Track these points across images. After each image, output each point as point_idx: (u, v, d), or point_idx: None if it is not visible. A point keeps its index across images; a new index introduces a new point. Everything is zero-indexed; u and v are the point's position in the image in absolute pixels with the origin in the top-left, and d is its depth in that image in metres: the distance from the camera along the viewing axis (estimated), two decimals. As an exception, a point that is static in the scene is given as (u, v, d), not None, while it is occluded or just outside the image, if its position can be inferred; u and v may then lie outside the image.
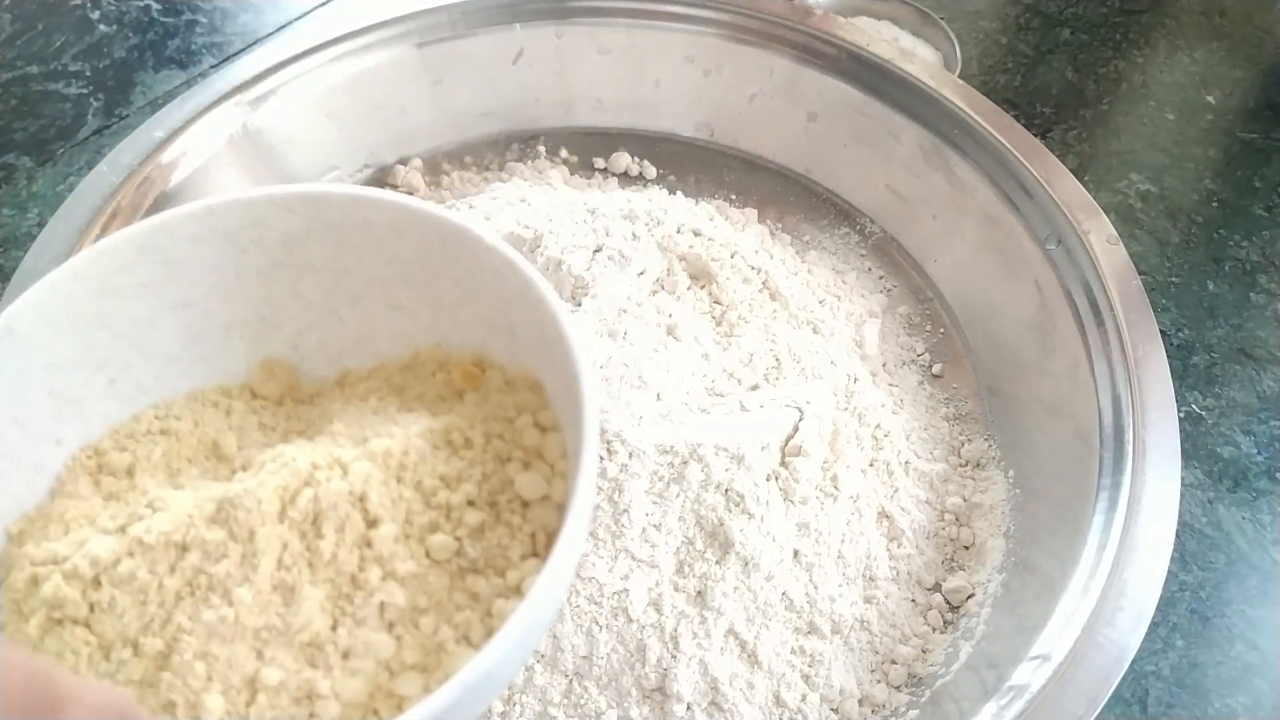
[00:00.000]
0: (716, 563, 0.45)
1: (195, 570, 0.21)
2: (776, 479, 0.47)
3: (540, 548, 0.23)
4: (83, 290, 0.25)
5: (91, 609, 0.20)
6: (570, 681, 0.45)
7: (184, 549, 0.21)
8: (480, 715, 0.26)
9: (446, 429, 0.24)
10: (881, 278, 0.64)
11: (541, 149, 0.68)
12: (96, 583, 0.20)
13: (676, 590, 0.45)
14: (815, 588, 0.47)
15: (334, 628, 0.21)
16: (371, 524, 0.22)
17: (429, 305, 0.28)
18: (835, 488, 0.49)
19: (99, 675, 0.19)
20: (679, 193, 0.66)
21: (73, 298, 0.25)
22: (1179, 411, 0.48)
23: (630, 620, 0.44)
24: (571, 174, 0.67)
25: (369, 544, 0.22)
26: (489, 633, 0.21)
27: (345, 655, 0.21)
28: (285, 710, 0.20)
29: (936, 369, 0.60)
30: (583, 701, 0.45)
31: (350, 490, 0.22)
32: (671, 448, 0.45)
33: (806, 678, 0.46)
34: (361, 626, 0.21)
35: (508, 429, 0.25)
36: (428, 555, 0.22)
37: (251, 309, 0.28)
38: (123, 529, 0.21)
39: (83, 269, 0.25)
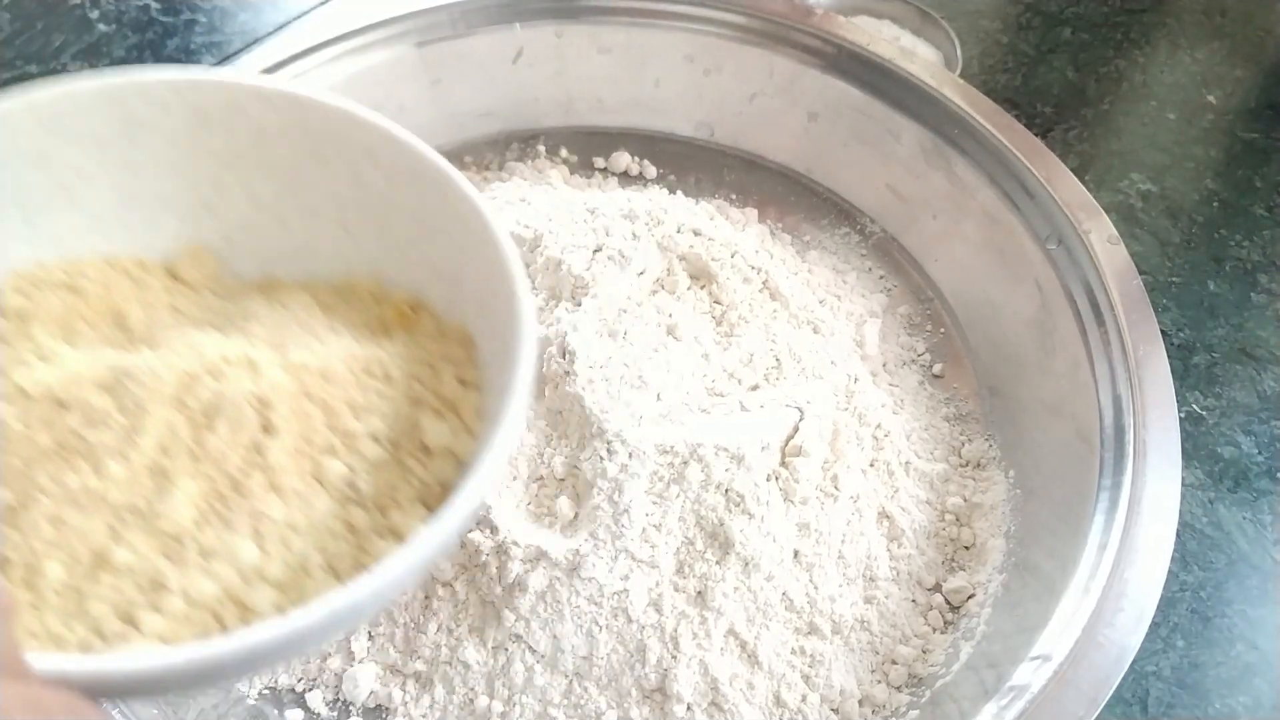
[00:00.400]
0: (716, 563, 0.45)
1: (71, 432, 0.20)
2: (776, 479, 0.47)
3: (431, 498, 0.22)
4: (33, 124, 0.23)
5: None
6: (570, 681, 0.45)
7: (64, 407, 0.20)
8: (322, 646, 0.24)
9: (368, 359, 0.23)
10: (882, 278, 0.64)
11: (541, 149, 0.68)
12: None
13: (676, 590, 0.45)
14: (815, 588, 0.47)
15: (200, 524, 0.20)
16: (268, 431, 0.21)
17: (379, 236, 0.27)
18: (835, 488, 0.48)
19: None
20: (679, 192, 0.65)
21: (20, 128, 0.23)
22: (1179, 411, 0.48)
23: (630, 620, 0.44)
24: (571, 174, 0.67)
25: (260, 451, 0.21)
26: (357, 566, 0.21)
27: (204, 555, 0.20)
28: (126, 595, 0.19)
29: (937, 369, 0.60)
30: (583, 702, 0.45)
31: (255, 393, 0.21)
32: (671, 448, 0.45)
33: (807, 678, 0.46)
34: (229, 530, 0.20)
35: (429, 375, 0.24)
36: (317, 477, 0.21)
37: (196, 191, 0.26)
38: (4, 373, 0.20)
39: (41, 104, 0.23)
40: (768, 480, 0.47)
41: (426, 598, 0.46)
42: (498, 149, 0.68)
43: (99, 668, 0.17)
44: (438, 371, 0.24)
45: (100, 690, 0.17)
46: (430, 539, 0.19)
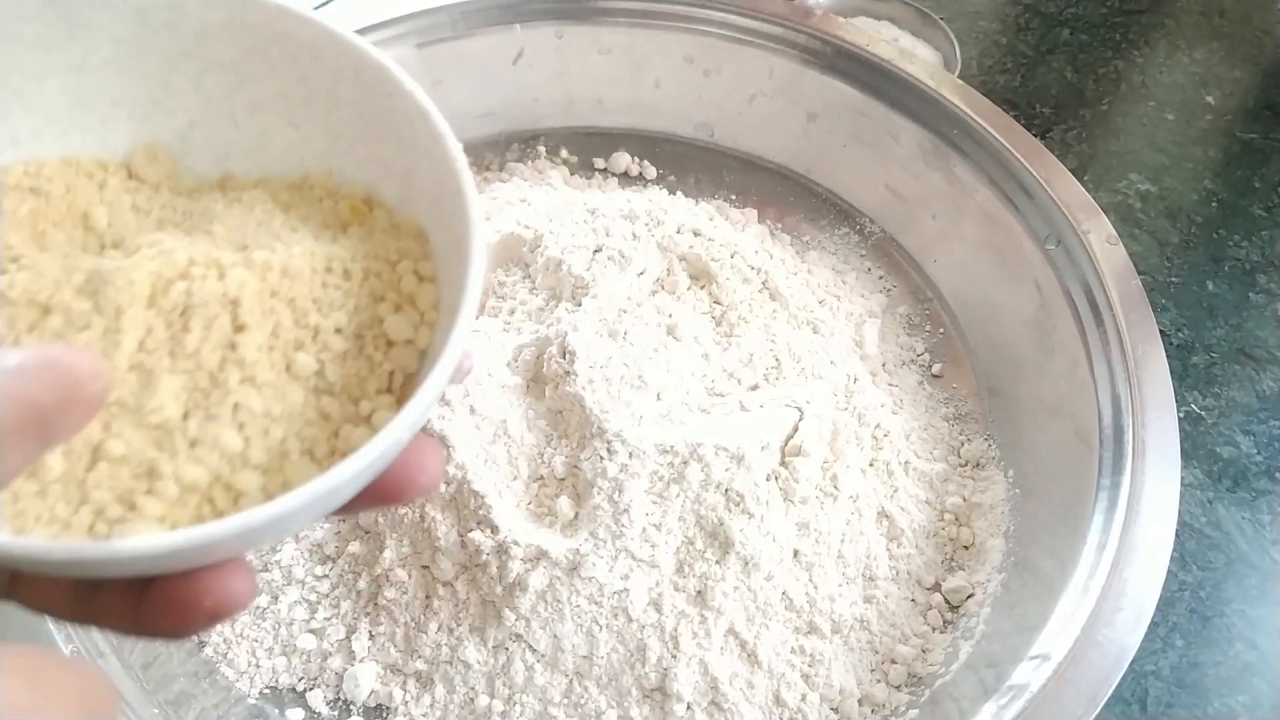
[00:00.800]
0: (716, 563, 0.45)
1: (54, 334, 0.21)
2: (776, 479, 0.47)
3: (395, 386, 0.24)
4: None
5: None
6: (570, 681, 0.45)
7: (46, 310, 0.21)
8: (303, 526, 0.25)
9: (329, 256, 0.24)
10: (881, 278, 0.64)
11: (541, 149, 0.68)
12: None
13: (676, 590, 0.45)
14: (815, 587, 0.47)
15: (185, 417, 0.22)
16: (239, 329, 0.22)
17: (327, 133, 0.28)
18: (835, 488, 0.49)
19: None
20: (679, 193, 0.66)
21: None
22: (1179, 411, 0.48)
23: (630, 620, 0.44)
24: (571, 174, 0.67)
25: (233, 347, 0.22)
26: (331, 451, 0.23)
27: (192, 444, 0.21)
28: (123, 482, 0.21)
29: (936, 369, 0.60)
30: (583, 701, 0.45)
31: (225, 293, 0.22)
32: (671, 448, 0.45)
33: (806, 677, 0.46)
34: (213, 421, 0.22)
35: (387, 270, 0.25)
36: (288, 370, 0.23)
37: (146, 90, 0.27)
38: None
39: None
40: (767, 480, 0.47)
41: (427, 597, 0.46)
42: (498, 150, 0.68)
43: (111, 550, 0.19)
44: (395, 267, 0.26)
45: (111, 571, 0.19)
46: (400, 425, 0.21)
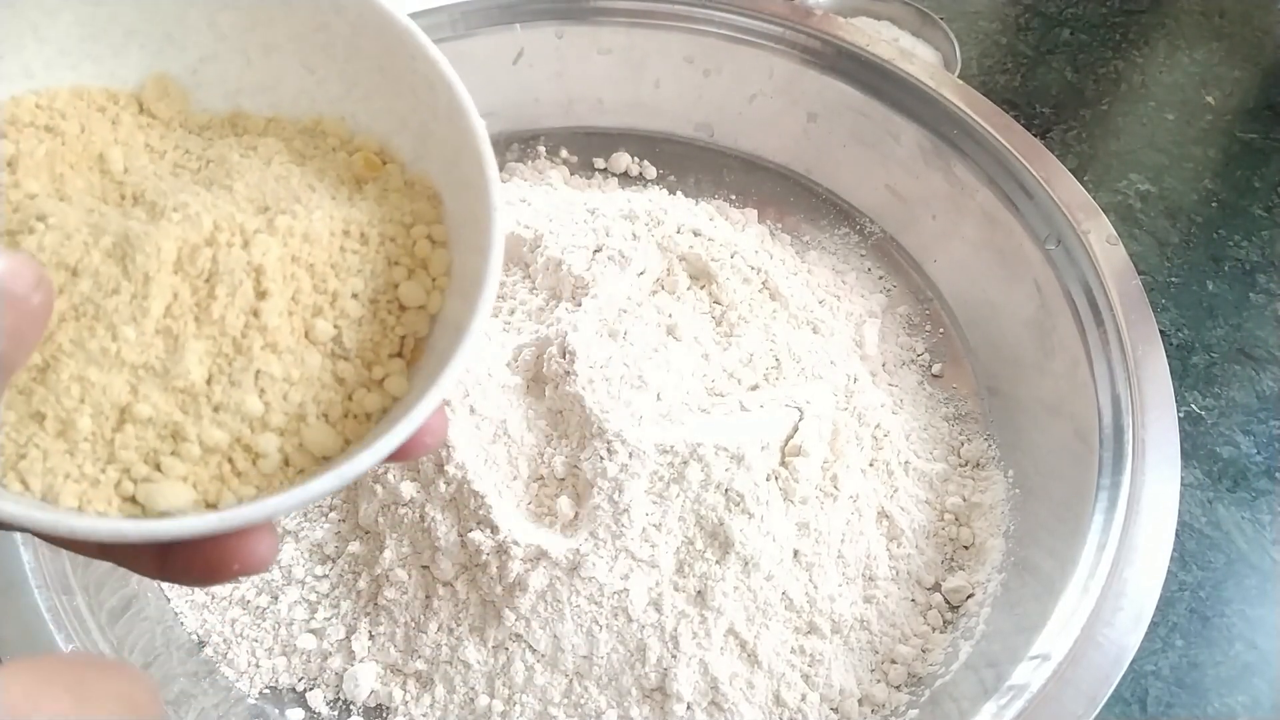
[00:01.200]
0: (716, 563, 0.45)
1: (84, 298, 0.22)
2: (776, 479, 0.47)
3: (406, 350, 0.25)
4: None
5: None
6: (570, 681, 0.45)
7: (75, 274, 0.22)
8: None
9: (347, 220, 0.25)
10: (881, 278, 0.64)
11: (541, 149, 0.68)
12: None
13: (676, 590, 0.45)
14: (815, 587, 0.47)
15: (209, 382, 0.23)
16: (261, 295, 0.23)
17: (343, 80, 0.28)
18: (835, 488, 0.49)
19: None
20: (679, 193, 0.66)
21: None
22: (1179, 411, 0.48)
23: (630, 620, 0.44)
24: (571, 174, 0.67)
25: (256, 314, 0.23)
26: (345, 414, 0.24)
27: (216, 409, 0.22)
28: (149, 443, 0.22)
29: (936, 369, 0.60)
30: (583, 701, 0.45)
31: (249, 261, 0.23)
32: (671, 448, 0.45)
33: (806, 677, 0.46)
34: (235, 386, 0.22)
35: (401, 234, 0.26)
36: (307, 336, 0.24)
37: (159, 24, 0.27)
38: (12, 235, 0.22)
39: None
40: (767, 480, 0.47)
41: (427, 597, 0.46)
42: (498, 150, 0.68)
43: (154, 529, 0.20)
44: (410, 231, 0.26)
45: (160, 540, 0.20)
46: (428, 406, 0.22)
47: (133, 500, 0.22)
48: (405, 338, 0.25)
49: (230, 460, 0.22)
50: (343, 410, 0.24)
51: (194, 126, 0.27)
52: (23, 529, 0.20)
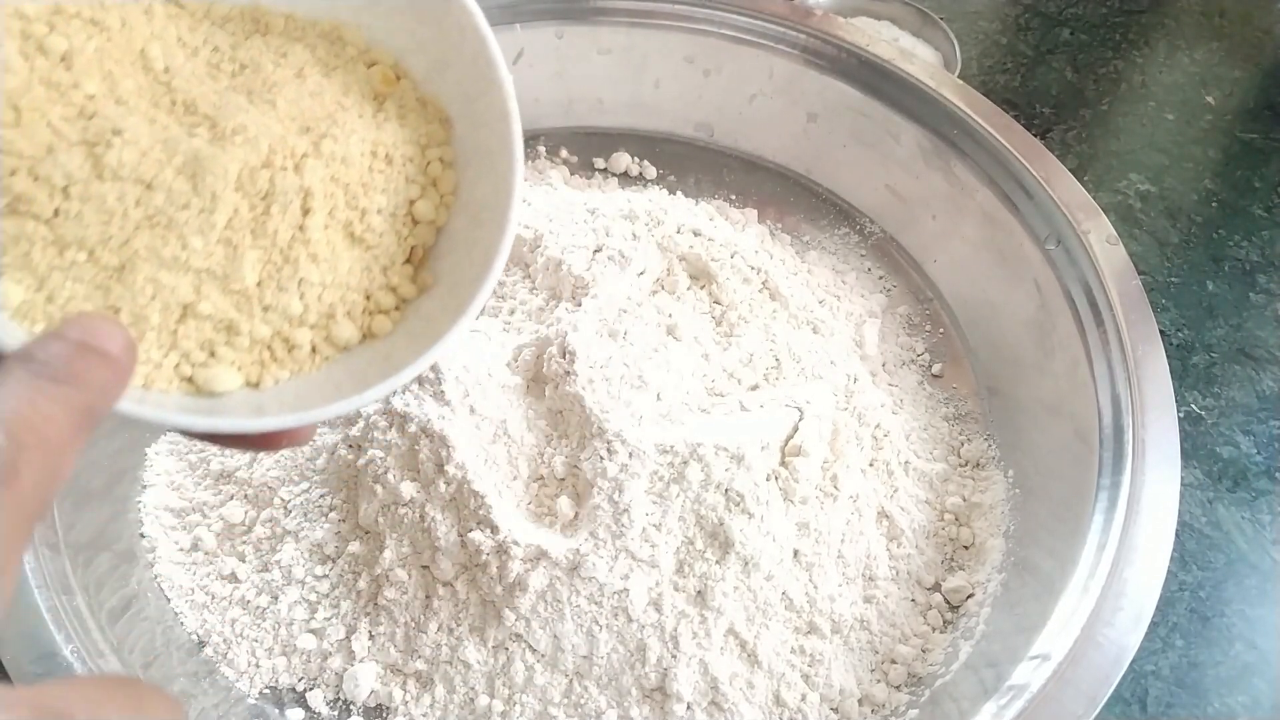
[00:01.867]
0: (716, 562, 0.45)
1: (158, 209, 0.24)
2: (776, 479, 0.47)
3: (415, 258, 0.29)
4: None
5: (56, 213, 0.23)
6: (570, 681, 0.45)
7: (150, 188, 0.24)
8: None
9: (376, 143, 0.28)
10: (881, 278, 0.64)
11: (541, 149, 0.68)
12: (65, 194, 0.24)
13: (676, 590, 0.45)
14: (815, 587, 0.47)
15: (260, 285, 0.26)
16: (307, 212, 0.26)
17: None
18: (835, 488, 0.49)
19: (49, 268, 0.23)
20: (679, 193, 0.66)
21: None
22: (1179, 411, 0.48)
23: (630, 620, 0.44)
24: (571, 174, 0.67)
25: (302, 228, 0.26)
26: (366, 313, 0.27)
27: (265, 309, 0.26)
28: (207, 335, 0.25)
29: (936, 369, 0.60)
30: (583, 701, 0.45)
31: (300, 184, 0.26)
32: (671, 448, 0.45)
33: (806, 677, 0.46)
34: (282, 291, 0.26)
35: (417, 156, 0.29)
36: (341, 246, 0.27)
37: None
38: (91, 147, 0.24)
39: None
40: (767, 480, 0.47)
41: (427, 597, 0.46)
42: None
43: (215, 424, 0.24)
44: (424, 152, 0.29)
45: (220, 432, 0.24)
46: (462, 329, 0.25)
47: (189, 380, 0.25)
48: (415, 247, 0.29)
49: (270, 349, 0.26)
50: (362, 308, 0.27)
51: (218, 19, 0.29)
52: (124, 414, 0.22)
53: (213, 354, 0.25)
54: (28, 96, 0.24)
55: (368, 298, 0.28)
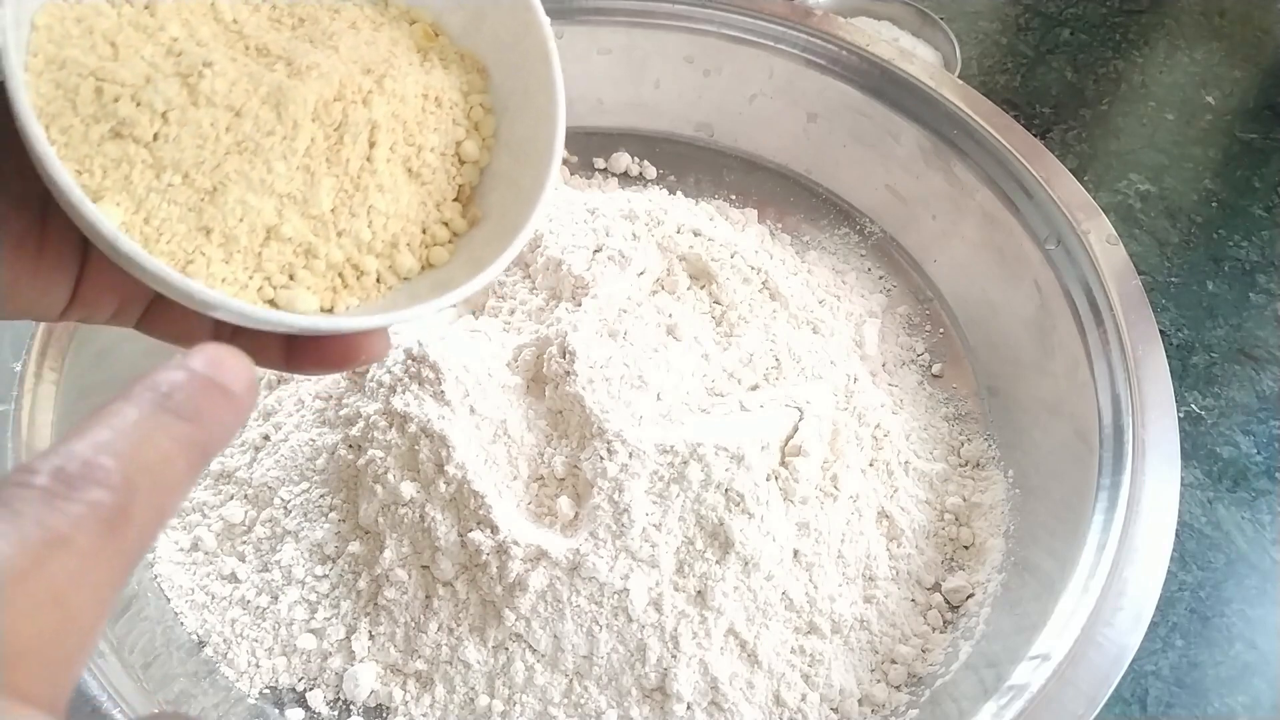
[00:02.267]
0: (716, 562, 0.45)
1: (247, 135, 0.26)
2: (776, 479, 0.47)
3: (463, 197, 0.31)
4: None
5: (155, 138, 0.25)
6: (570, 681, 0.45)
7: (239, 115, 0.26)
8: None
9: (427, 86, 0.30)
10: (881, 278, 0.64)
11: (541, 149, 0.68)
12: (164, 118, 0.25)
13: (676, 590, 0.45)
14: (815, 587, 0.47)
15: (334, 211, 0.28)
16: (373, 144, 0.28)
17: None
18: (835, 488, 0.49)
19: (146, 190, 0.25)
20: (679, 193, 0.66)
21: None
22: (1179, 411, 0.48)
23: (630, 620, 0.44)
24: (571, 174, 0.67)
25: (369, 159, 0.28)
26: (420, 243, 0.29)
27: (339, 234, 0.28)
28: (287, 257, 0.27)
29: (936, 369, 0.60)
30: (583, 701, 0.45)
31: (369, 116, 0.28)
32: (671, 448, 0.45)
33: (806, 677, 0.46)
34: (354, 217, 0.28)
35: (461, 101, 0.31)
36: (402, 179, 0.29)
37: None
38: (185, 78, 0.26)
39: None
40: (768, 480, 0.47)
41: (427, 597, 0.46)
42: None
43: (334, 324, 0.26)
44: (466, 98, 0.31)
45: (292, 330, 0.25)
46: (509, 255, 0.28)
47: (271, 303, 0.27)
48: (462, 186, 0.30)
49: (340, 275, 0.28)
50: (420, 240, 0.29)
51: None
52: (213, 309, 0.24)
53: (292, 277, 0.27)
54: (121, 35, 0.26)
55: (424, 231, 0.30)
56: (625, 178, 0.68)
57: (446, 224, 0.30)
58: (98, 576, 0.16)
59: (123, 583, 0.17)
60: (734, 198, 0.67)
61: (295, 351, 0.27)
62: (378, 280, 0.29)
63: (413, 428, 0.46)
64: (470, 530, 0.45)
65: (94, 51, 0.26)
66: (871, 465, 0.52)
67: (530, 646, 0.45)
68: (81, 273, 0.26)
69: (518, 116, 0.31)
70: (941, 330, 0.62)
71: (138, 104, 0.25)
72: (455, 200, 0.31)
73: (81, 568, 0.15)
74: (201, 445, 0.18)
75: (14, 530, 0.15)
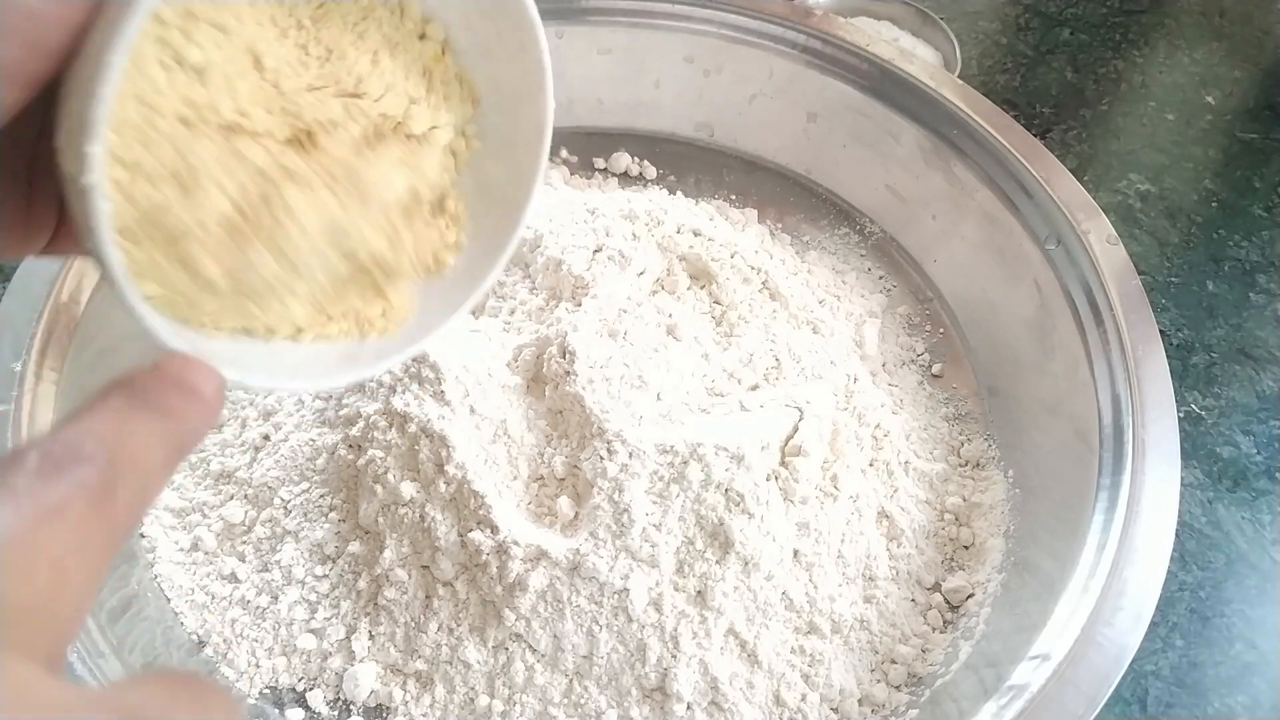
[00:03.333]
0: (716, 562, 0.45)
1: (306, 133, 0.28)
2: (776, 479, 0.47)
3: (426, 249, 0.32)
4: None
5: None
6: (570, 681, 0.45)
7: (307, 129, 0.28)
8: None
9: (436, 124, 0.32)
10: (881, 278, 0.64)
11: (542, 149, 0.68)
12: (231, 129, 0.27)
13: (676, 590, 0.45)
14: (815, 587, 0.47)
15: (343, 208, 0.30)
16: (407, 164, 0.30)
17: None
18: (835, 488, 0.49)
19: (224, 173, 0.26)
20: (679, 193, 0.66)
21: None
22: (1179, 411, 0.48)
23: (630, 620, 0.44)
24: (571, 174, 0.67)
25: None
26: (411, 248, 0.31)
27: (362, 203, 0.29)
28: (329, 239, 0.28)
29: (936, 369, 0.60)
30: (583, 701, 0.45)
31: (400, 156, 0.30)
32: (671, 448, 0.45)
33: (806, 677, 0.46)
34: (366, 209, 0.29)
35: (458, 144, 0.33)
36: (413, 197, 0.31)
37: None
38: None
39: None
40: (768, 480, 0.47)
41: (427, 597, 0.46)
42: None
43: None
44: (463, 131, 0.33)
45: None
46: (500, 266, 0.30)
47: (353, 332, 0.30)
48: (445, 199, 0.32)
49: (364, 270, 0.29)
50: (410, 246, 0.31)
51: None
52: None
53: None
54: (184, 140, 0.25)
55: (429, 227, 0.32)
56: (625, 178, 0.68)
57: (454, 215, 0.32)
58: (89, 545, 0.17)
59: (113, 552, 0.18)
60: (734, 198, 0.67)
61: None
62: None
63: (413, 428, 0.46)
64: (470, 530, 0.45)
65: (166, 184, 0.25)
66: (871, 465, 0.52)
67: (530, 646, 0.45)
68: (58, 224, 0.27)
69: (501, 149, 0.33)
70: (941, 330, 0.62)
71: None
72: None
73: (74, 536, 0.17)
74: (177, 439, 0.20)
75: (10, 502, 0.16)
